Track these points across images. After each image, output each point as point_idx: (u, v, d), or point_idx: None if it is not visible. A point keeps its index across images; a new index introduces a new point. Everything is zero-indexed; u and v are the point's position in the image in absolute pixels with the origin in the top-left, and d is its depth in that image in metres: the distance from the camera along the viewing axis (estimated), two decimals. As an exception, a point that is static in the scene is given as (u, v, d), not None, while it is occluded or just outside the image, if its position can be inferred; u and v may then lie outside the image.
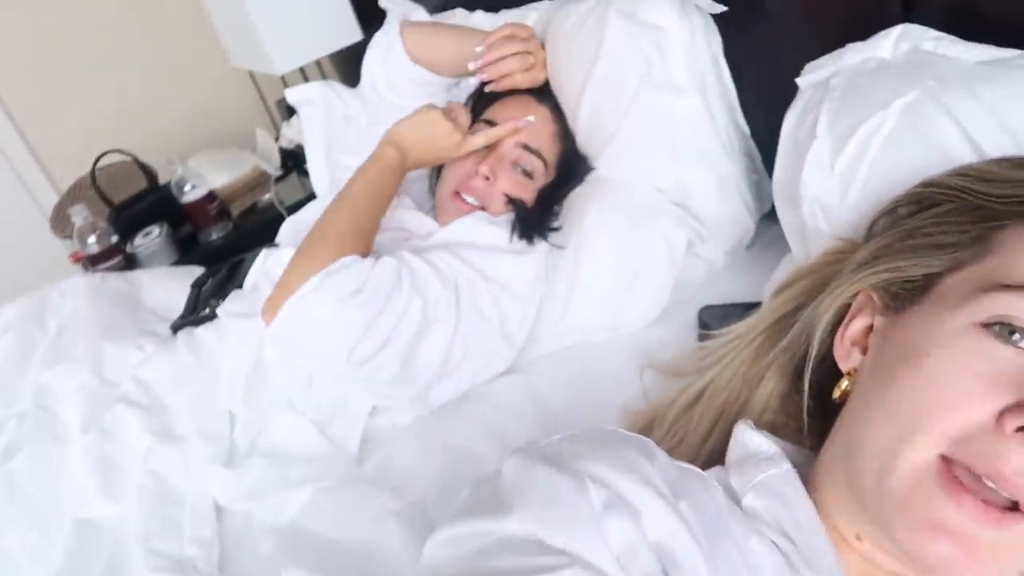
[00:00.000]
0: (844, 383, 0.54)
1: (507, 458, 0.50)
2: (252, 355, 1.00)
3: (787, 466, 0.52)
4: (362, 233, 1.00)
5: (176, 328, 1.12)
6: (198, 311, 1.14)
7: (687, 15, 0.97)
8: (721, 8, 0.99)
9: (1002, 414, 0.41)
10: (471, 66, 1.14)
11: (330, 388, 0.99)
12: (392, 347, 0.91)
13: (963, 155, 0.64)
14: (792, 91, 0.85)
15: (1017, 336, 0.43)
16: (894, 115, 0.69)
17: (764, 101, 0.98)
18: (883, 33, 0.79)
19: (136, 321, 1.15)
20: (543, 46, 1.15)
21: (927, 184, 0.59)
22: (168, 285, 1.26)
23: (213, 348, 1.04)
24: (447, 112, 1.11)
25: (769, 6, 0.97)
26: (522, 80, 1.12)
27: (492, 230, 1.05)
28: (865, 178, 0.70)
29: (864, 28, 0.81)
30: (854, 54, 0.79)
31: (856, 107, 0.73)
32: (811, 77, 0.83)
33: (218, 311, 1.06)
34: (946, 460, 0.43)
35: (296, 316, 0.91)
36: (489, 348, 0.99)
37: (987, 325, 0.44)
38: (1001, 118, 0.63)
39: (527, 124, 1.10)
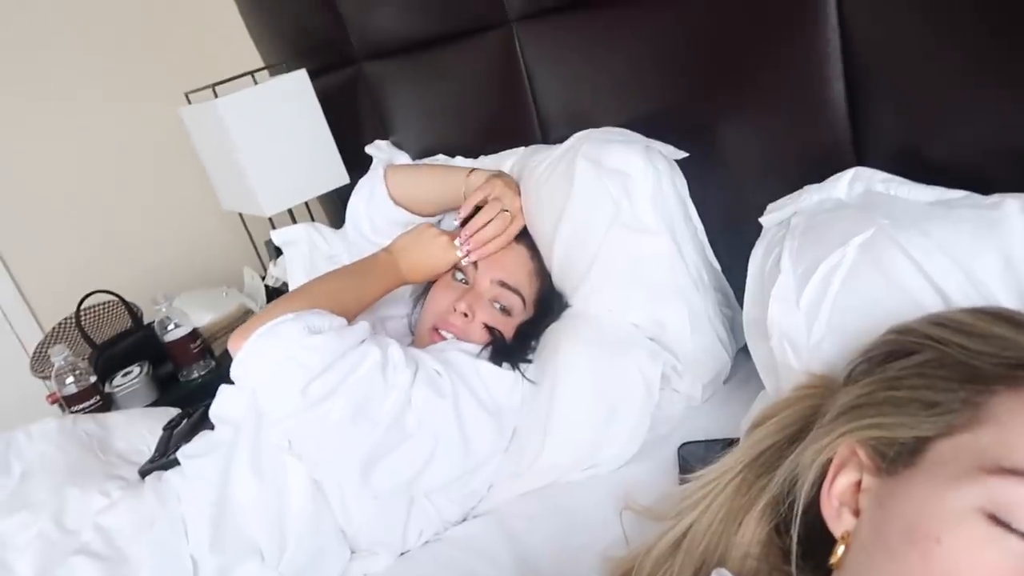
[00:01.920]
0: (840, 550, 0.51)
1: None
2: (215, 493, 0.96)
3: (766, 619, 0.50)
4: (339, 306, 1.04)
5: (144, 472, 1.08)
6: (168, 454, 1.10)
7: (652, 161, 1.01)
8: (683, 154, 1.04)
9: None
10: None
11: (306, 539, 0.95)
12: (347, 391, 0.92)
13: (920, 288, 0.66)
14: (758, 229, 0.88)
15: None
16: (852, 252, 0.71)
17: (732, 239, 1.00)
18: (837, 175, 0.83)
19: (104, 465, 1.11)
20: (518, 190, 1.19)
21: (902, 332, 0.58)
22: (140, 427, 1.23)
23: (180, 492, 1.00)
24: (441, 230, 1.17)
25: (729, 150, 1.02)
26: (505, 240, 1.15)
27: (465, 345, 1.08)
28: (829, 312, 0.71)
29: (820, 169, 0.86)
30: (811, 195, 0.83)
31: (816, 244, 0.75)
32: (773, 216, 0.86)
33: (177, 455, 1.03)
34: None
35: (265, 340, 0.94)
36: (444, 434, 0.96)
37: (994, 515, 0.42)
38: (952, 255, 0.65)
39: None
